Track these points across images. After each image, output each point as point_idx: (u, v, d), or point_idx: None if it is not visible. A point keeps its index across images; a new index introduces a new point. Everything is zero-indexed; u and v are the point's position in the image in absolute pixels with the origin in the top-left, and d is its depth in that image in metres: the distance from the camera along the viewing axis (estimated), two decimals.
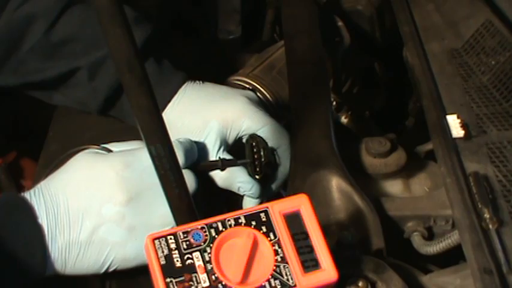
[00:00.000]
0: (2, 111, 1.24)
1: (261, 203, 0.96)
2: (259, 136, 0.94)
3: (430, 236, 0.89)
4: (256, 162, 0.92)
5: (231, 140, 0.95)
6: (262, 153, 0.92)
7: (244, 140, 0.95)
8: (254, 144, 0.93)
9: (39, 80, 0.99)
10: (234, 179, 0.92)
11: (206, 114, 0.94)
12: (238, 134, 0.95)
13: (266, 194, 0.96)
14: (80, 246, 0.78)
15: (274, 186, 0.96)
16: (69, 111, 1.10)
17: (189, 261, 0.66)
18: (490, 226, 0.77)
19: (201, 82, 1.00)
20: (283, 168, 0.96)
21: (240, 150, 0.94)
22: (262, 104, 1.03)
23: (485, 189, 0.81)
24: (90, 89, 0.97)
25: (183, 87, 0.98)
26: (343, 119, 1.11)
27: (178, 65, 1.01)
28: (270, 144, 0.95)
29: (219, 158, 0.91)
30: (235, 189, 0.93)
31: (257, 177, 0.92)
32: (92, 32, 0.96)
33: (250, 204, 0.96)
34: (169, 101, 0.96)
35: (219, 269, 0.66)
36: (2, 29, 0.94)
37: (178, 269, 0.65)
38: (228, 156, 0.92)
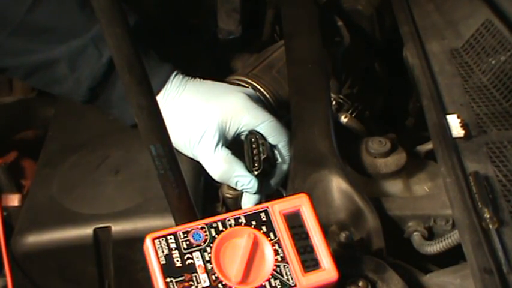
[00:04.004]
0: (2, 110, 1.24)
1: (260, 199, 0.96)
2: (258, 132, 0.94)
3: (430, 236, 0.89)
4: (255, 158, 0.93)
5: (230, 135, 0.95)
6: (261, 148, 0.93)
7: (243, 137, 0.95)
8: (253, 139, 0.93)
9: (20, 65, 0.99)
10: (232, 172, 0.92)
11: (206, 109, 0.95)
12: (237, 130, 0.95)
13: (265, 191, 0.96)
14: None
15: (273, 182, 0.96)
16: (69, 111, 1.10)
17: (189, 261, 0.66)
18: (490, 226, 0.77)
19: (201, 79, 1.00)
20: (283, 165, 0.96)
21: (240, 148, 0.94)
22: (261, 102, 1.03)
23: (485, 189, 0.81)
24: (72, 81, 0.98)
25: (182, 82, 0.98)
26: (343, 119, 1.11)
27: (178, 64, 1.01)
28: (269, 140, 0.95)
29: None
30: (232, 184, 0.93)
31: (255, 172, 0.92)
32: (70, 21, 0.96)
33: (248, 200, 0.96)
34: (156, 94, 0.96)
35: (219, 268, 0.66)
36: None
37: (179, 269, 0.65)
38: (226, 150, 0.93)
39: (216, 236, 0.67)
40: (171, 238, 0.66)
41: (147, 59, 0.98)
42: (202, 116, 0.94)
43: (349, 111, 1.15)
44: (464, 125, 0.92)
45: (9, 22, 0.95)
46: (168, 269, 0.65)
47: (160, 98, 0.96)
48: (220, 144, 0.93)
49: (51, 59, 0.97)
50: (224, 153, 0.93)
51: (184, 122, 0.95)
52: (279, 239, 0.69)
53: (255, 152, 0.93)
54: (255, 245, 0.68)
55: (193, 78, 1.00)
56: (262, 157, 0.92)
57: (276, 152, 0.96)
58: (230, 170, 0.92)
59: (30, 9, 0.95)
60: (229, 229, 0.68)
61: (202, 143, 0.94)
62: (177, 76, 0.99)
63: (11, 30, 0.95)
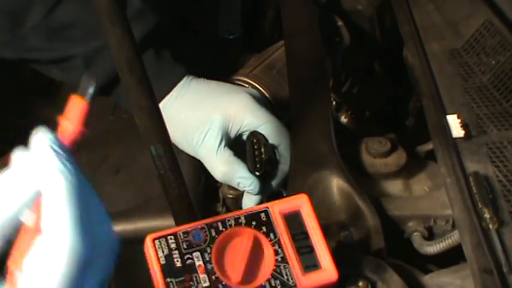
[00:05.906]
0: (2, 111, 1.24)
1: (261, 200, 0.96)
2: (260, 133, 0.95)
3: (430, 236, 0.89)
4: (257, 159, 0.93)
5: (232, 134, 0.95)
6: (262, 149, 0.93)
7: (245, 137, 0.96)
8: (255, 140, 0.94)
9: (36, 59, 1.00)
10: (234, 173, 0.92)
11: (209, 108, 0.95)
12: (239, 129, 0.95)
13: (266, 191, 0.96)
14: None
15: (274, 183, 0.97)
16: None
17: (189, 261, 0.66)
18: (490, 226, 0.77)
19: (205, 79, 1.01)
20: (284, 166, 0.96)
21: (241, 148, 0.94)
22: (264, 103, 1.03)
23: (485, 189, 0.81)
24: (85, 76, 0.98)
25: (187, 81, 0.98)
26: (343, 119, 1.11)
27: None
28: (271, 141, 0.95)
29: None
30: (234, 184, 0.93)
31: (257, 173, 0.92)
32: (91, 20, 0.96)
33: (249, 200, 0.96)
34: (163, 97, 0.96)
35: (219, 269, 0.66)
36: (5, 6, 0.96)
37: (179, 269, 0.65)
38: (228, 151, 0.93)
39: (216, 236, 0.67)
40: (171, 238, 0.66)
41: (159, 60, 0.98)
42: (206, 115, 0.95)
43: (349, 111, 1.15)
44: (464, 125, 0.92)
45: (30, 19, 0.96)
46: (168, 269, 0.65)
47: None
48: (222, 145, 0.93)
49: (68, 55, 0.98)
50: (227, 154, 0.93)
51: (187, 121, 0.95)
52: (279, 239, 0.69)
53: (256, 153, 0.93)
54: (255, 245, 0.68)
55: (197, 78, 1.00)
56: (264, 158, 0.93)
57: (277, 153, 0.96)
58: (232, 171, 0.92)
59: (51, 9, 0.95)
60: (229, 229, 0.68)
61: (205, 143, 0.94)
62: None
63: (31, 26, 0.96)
